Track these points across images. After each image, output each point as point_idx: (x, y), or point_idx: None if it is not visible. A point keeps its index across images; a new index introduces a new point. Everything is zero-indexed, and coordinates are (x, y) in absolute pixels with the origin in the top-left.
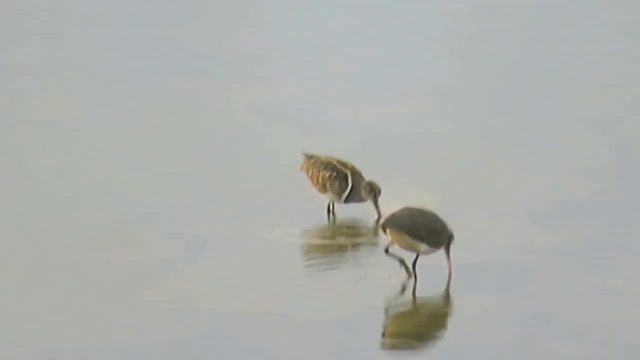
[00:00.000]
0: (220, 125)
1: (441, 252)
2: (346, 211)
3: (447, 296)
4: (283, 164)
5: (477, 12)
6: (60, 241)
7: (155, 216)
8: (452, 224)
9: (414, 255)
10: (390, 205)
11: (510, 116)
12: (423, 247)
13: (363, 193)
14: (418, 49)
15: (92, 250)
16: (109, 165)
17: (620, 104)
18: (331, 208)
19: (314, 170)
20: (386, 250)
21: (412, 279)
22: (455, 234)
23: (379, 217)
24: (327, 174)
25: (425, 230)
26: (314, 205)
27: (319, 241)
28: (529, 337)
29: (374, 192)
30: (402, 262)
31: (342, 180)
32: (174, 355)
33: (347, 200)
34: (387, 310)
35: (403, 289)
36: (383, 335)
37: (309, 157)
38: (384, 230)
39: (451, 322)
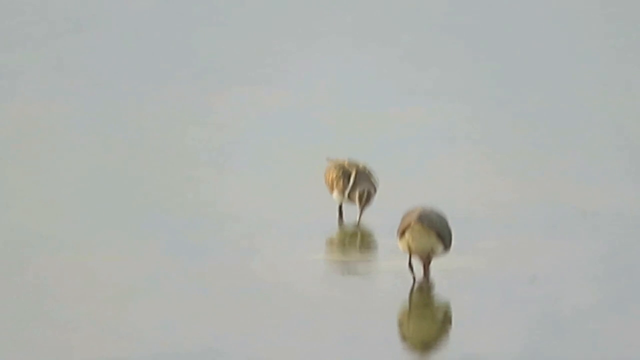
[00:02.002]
0: (228, 137)
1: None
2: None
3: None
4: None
5: (479, 11)
6: None
7: (165, 228)
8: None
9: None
10: (398, 205)
11: (525, 123)
12: (440, 248)
13: (358, 193)
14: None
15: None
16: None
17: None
18: (342, 211)
19: (327, 172)
20: (410, 266)
21: (420, 282)
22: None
23: (359, 221)
24: (335, 174)
25: (447, 231)
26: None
27: (326, 249)
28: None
29: (360, 197)
30: (411, 266)
31: (346, 178)
32: None
33: (350, 198)
34: (401, 315)
35: (412, 293)
36: (403, 342)
37: (328, 160)
38: (407, 228)
39: (466, 324)
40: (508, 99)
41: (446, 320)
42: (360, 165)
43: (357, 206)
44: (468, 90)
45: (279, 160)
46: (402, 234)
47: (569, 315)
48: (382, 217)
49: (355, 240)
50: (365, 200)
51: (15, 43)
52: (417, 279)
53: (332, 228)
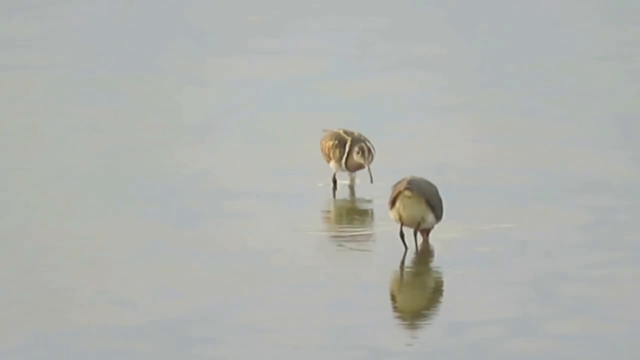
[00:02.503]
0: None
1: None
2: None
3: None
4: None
5: None
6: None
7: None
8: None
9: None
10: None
11: (506, 88)
12: (430, 217)
13: (355, 157)
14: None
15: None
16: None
17: (615, 73)
18: (336, 179)
19: (323, 142)
20: (401, 235)
21: (412, 252)
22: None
23: (371, 180)
24: (330, 143)
25: (437, 199)
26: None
27: (321, 219)
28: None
29: (362, 152)
30: (402, 236)
31: (342, 147)
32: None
33: (347, 167)
34: (392, 284)
35: (403, 262)
36: (394, 310)
37: (324, 131)
38: (397, 196)
39: (457, 292)
40: (489, 66)
41: (437, 288)
42: (356, 134)
43: (364, 164)
44: (451, 60)
45: (272, 129)
46: (392, 203)
47: (559, 282)
48: (374, 187)
49: (349, 210)
50: (367, 154)
51: (9, 11)
52: (408, 248)
53: (327, 197)
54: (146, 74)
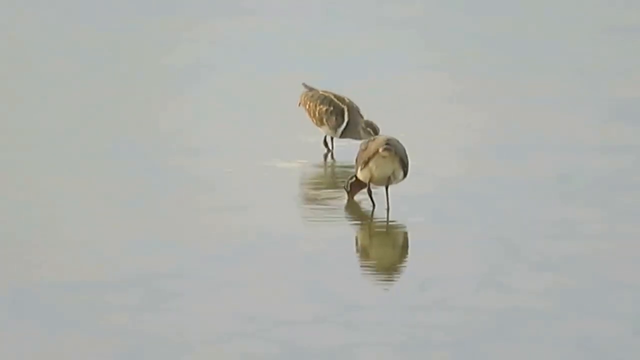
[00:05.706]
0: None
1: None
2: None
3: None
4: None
5: None
6: None
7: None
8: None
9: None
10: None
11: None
12: (401, 174)
13: (362, 133)
14: None
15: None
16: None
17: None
18: (327, 142)
19: (311, 103)
20: (369, 192)
21: (382, 209)
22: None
23: None
24: (324, 108)
25: (407, 157)
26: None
27: (310, 176)
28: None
29: (373, 129)
30: (370, 192)
31: (339, 115)
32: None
33: (343, 135)
34: (361, 242)
35: (371, 219)
36: (363, 266)
37: (308, 90)
38: (372, 156)
39: (425, 249)
40: (464, 28)
41: (405, 244)
42: (347, 100)
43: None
44: (431, 21)
45: (252, 88)
46: (366, 163)
47: (527, 238)
48: (344, 148)
49: (328, 172)
50: (375, 133)
51: None
52: (376, 205)
53: (306, 156)
54: (131, 34)
